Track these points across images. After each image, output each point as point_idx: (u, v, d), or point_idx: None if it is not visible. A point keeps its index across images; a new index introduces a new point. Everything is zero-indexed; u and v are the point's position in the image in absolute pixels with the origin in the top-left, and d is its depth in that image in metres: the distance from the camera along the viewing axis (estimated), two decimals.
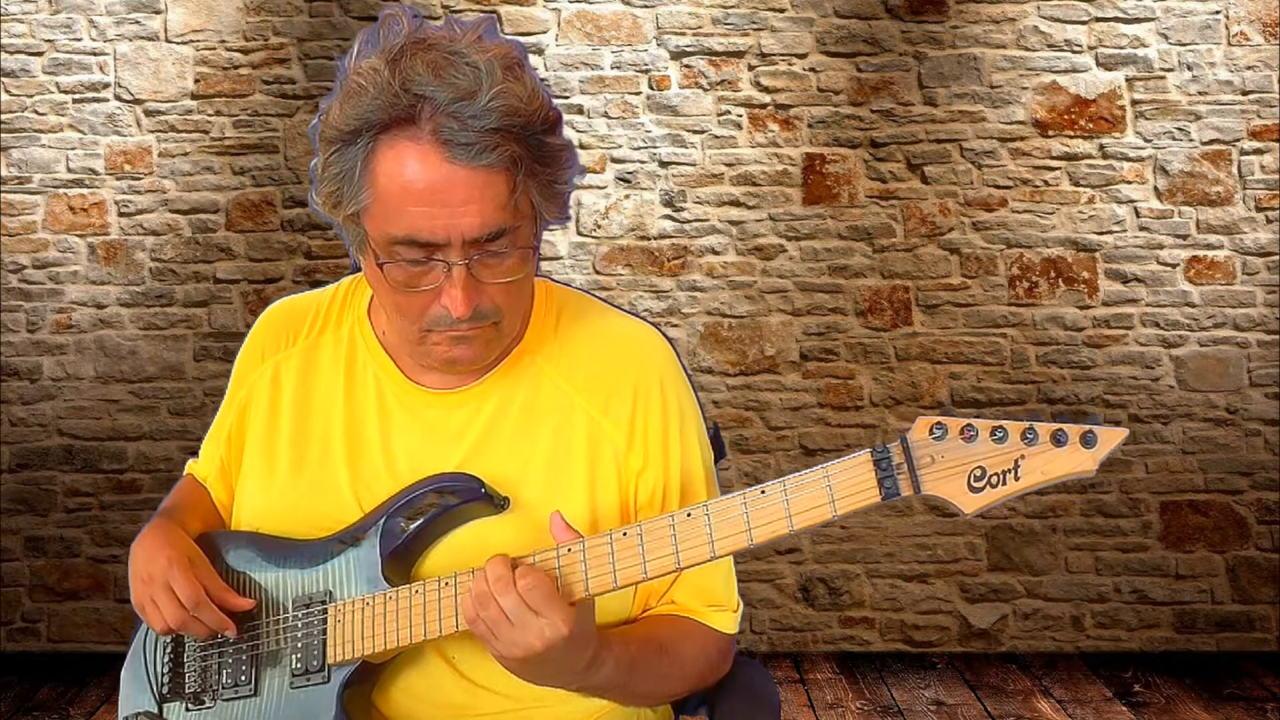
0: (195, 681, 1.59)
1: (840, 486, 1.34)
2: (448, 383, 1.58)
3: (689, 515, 1.39)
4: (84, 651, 4.53)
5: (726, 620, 1.60)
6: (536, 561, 1.42)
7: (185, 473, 1.76)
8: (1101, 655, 4.55)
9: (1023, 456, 1.28)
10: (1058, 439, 1.28)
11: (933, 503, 1.30)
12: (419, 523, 1.52)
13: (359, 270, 1.68)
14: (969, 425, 1.30)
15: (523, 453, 1.55)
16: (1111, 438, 1.29)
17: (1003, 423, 1.29)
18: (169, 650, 1.62)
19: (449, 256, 1.43)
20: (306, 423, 1.61)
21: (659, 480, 1.57)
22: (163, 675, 1.61)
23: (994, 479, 1.29)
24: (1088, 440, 1.28)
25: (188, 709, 1.59)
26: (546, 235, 4.60)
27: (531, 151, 1.43)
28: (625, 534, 1.40)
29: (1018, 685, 4.25)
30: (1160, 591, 4.59)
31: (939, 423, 1.31)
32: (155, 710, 1.60)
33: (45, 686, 4.25)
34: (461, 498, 1.51)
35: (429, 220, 1.41)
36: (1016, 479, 1.29)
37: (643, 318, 1.69)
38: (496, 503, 1.51)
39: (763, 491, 1.37)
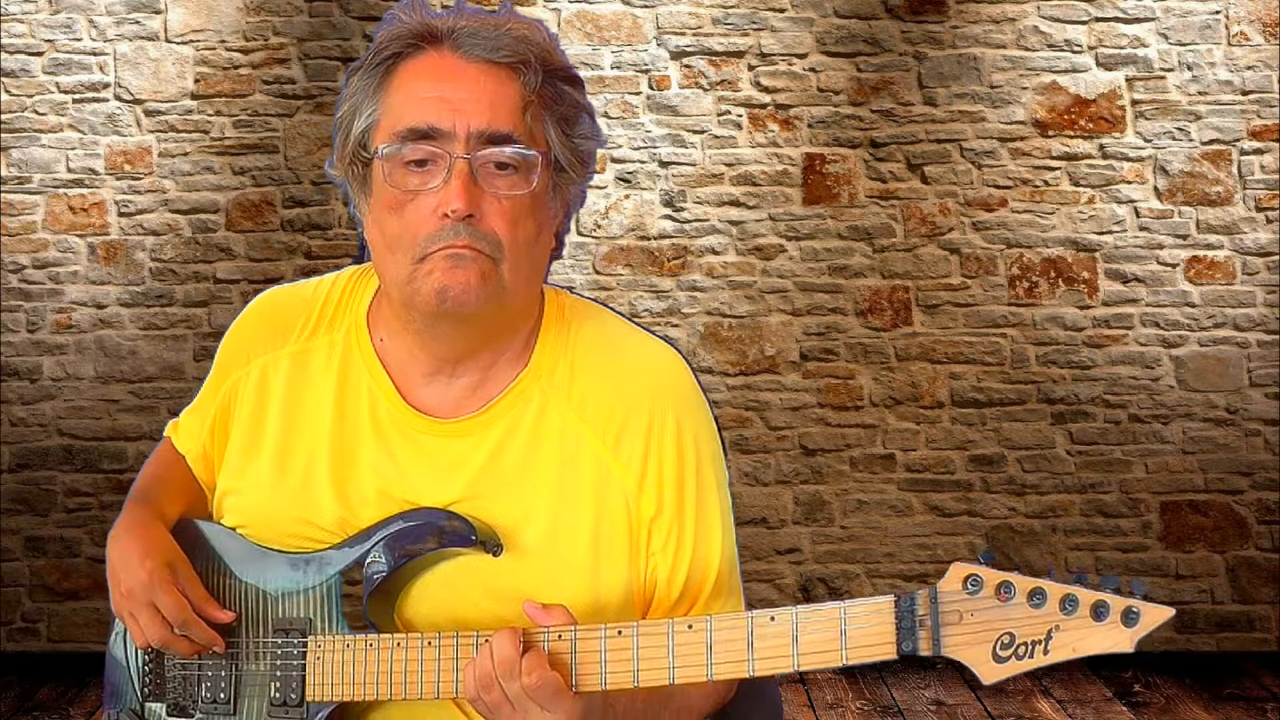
0: (176, 689, 1.55)
1: (855, 633, 1.25)
2: (447, 410, 1.49)
3: (690, 627, 1.32)
4: (84, 651, 4.52)
5: None
6: (548, 645, 1.34)
7: (165, 435, 1.67)
8: (1101, 655, 4.54)
9: (1057, 627, 1.20)
10: (1098, 612, 1.19)
11: (952, 661, 1.24)
12: (399, 564, 1.45)
13: (359, 262, 1.61)
14: (1006, 584, 1.21)
15: (525, 493, 1.46)
16: (1155, 617, 1.18)
17: (1043, 584, 1.20)
18: (150, 650, 1.57)
19: (453, 149, 1.39)
20: (293, 433, 1.53)
21: (673, 529, 1.47)
22: (144, 674, 1.57)
23: (1021, 649, 1.21)
24: (1129, 618, 1.19)
25: (169, 714, 1.56)
26: None
27: (547, 81, 1.44)
28: (620, 633, 1.33)
29: (1018, 685, 4.25)
30: (1160, 591, 4.58)
31: (975, 575, 1.22)
32: (138, 709, 1.58)
33: (45, 686, 4.25)
34: (451, 542, 1.44)
35: (435, 106, 1.40)
36: (1045, 652, 1.20)
37: (664, 338, 1.59)
38: (489, 549, 1.43)
39: (772, 619, 1.29)
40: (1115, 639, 1.19)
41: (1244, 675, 4.35)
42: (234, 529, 1.56)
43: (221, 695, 1.52)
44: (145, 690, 1.58)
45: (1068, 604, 1.19)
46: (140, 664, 1.58)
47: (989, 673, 1.22)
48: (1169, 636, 4.58)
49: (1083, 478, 4.58)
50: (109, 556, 1.52)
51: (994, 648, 1.21)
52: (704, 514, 1.49)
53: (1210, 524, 4.59)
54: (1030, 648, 1.20)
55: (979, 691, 4.19)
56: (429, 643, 1.41)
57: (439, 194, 1.39)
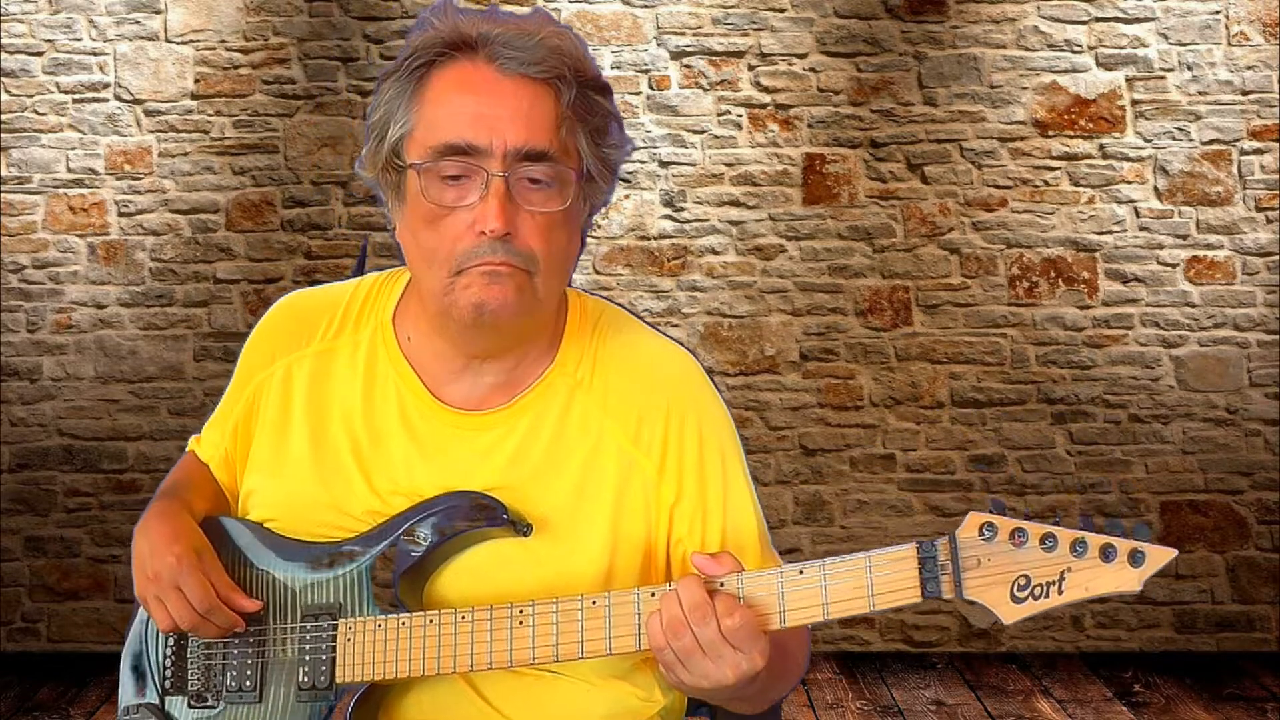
0: (198, 679, 1.56)
1: (881, 581, 1.32)
2: (474, 404, 1.52)
3: (722, 585, 1.37)
4: (84, 651, 4.53)
5: None
6: (726, 587, 1.36)
7: (188, 449, 1.69)
8: (1101, 655, 4.55)
9: (1069, 569, 1.27)
10: (1106, 554, 1.26)
11: (972, 603, 1.30)
12: (435, 542, 1.47)
13: (360, 271, 1.66)
14: (1019, 530, 1.28)
15: (550, 482, 1.50)
16: (1160, 558, 1.26)
17: (1054, 530, 1.28)
18: (171, 642, 1.58)
19: (490, 167, 1.41)
20: (320, 431, 1.56)
21: (697, 513, 1.52)
22: (165, 668, 1.58)
23: (1037, 590, 1.28)
24: (1136, 559, 1.26)
25: (190, 705, 1.56)
26: None
27: (580, 94, 1.45)
28: (801, 572, 1.37)
29: (1018, 685, 4.25)
30: (1160, 591, 4.59)
31: (990, 523, 1.29)
32: (157, 703, 1.58)
33: (45, 686, 4.25)
34: (484, 521, 1.47)
35: (473, 123, 1.41)
36: (1060, 592, 1.27)
37: (679, 342, 1.64)
38: (519, 529, 1.47)
39: (800, 572, 1.35)
40: (1123, 579, 1.26)
41: (1244, 675, 4.35)
42: (261, 523, 1.58)
43: (247, 683, 1.53)
44: (166, 684, 1.58)
45: (1078, 547, 1.26)
46: (161, 658, 1.58)
47: (1009, 613, 1.28)
48: (1169, 637, 4.58)
49: (1083, 478, 4.58)
50: (135, 546, 1.54)
51: (1011, 589, 1.28)
52: (731, 492, 1.54)
53: (1210, 524, 4.58)
54: (1045, 588, 1.27)
55: (979, 691, 4.19)
56: (462, 617, 1.44)
57: (475, 210, 1.41)
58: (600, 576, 1.48)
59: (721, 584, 1.37)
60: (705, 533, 1.52)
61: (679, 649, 1.34)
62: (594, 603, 1.39)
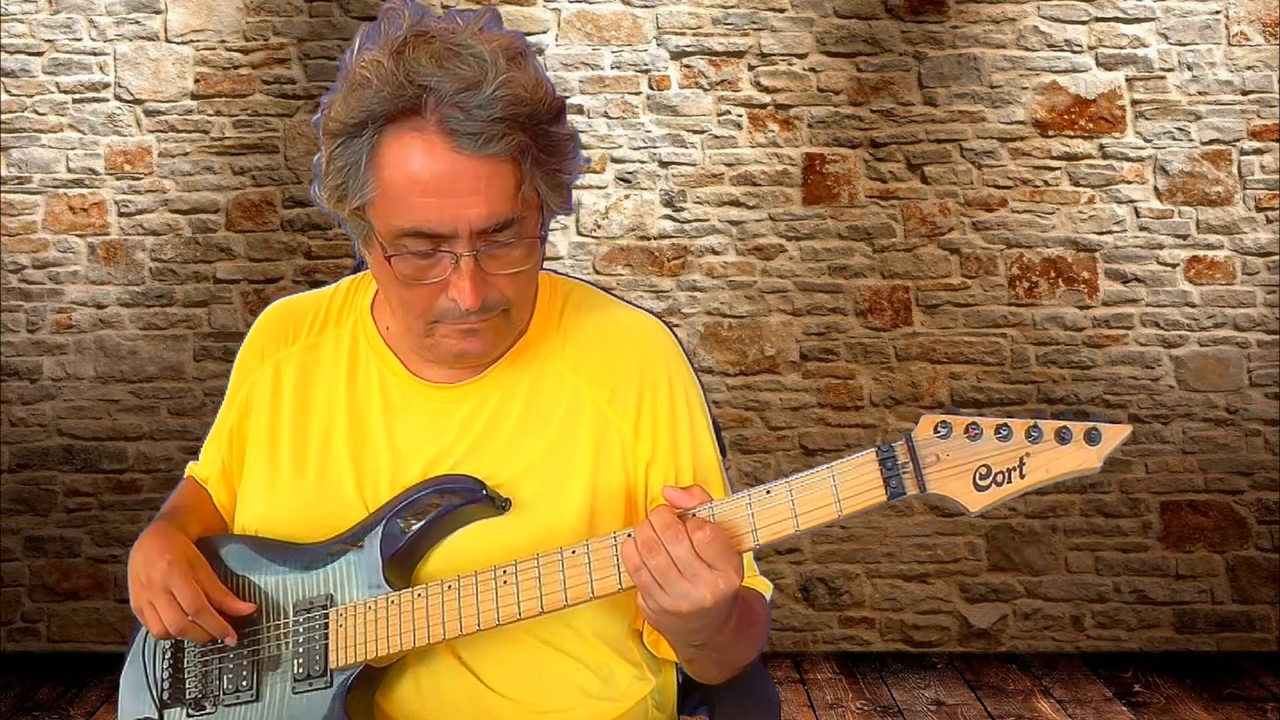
0: (196, 687, 1.57)
1: (845, 486, 1.33)
2: (452, 376, 1.56)
3: (694, 514, 1.38)
4: (84, 651, 4.53)
5: (765, 584, 1.61)
6: (700, 515, 1.39)
7: (185, 475, 1.73)
8: (1101, 655, 4.55)
9: (1028, 454, 1.28)
10: (1062, 436, 1.27)
11: (936, 502, 1.30)
12: (420, 525, 1.50)
13: (359, 270, 1.68)
14: (973, 424, 1.29)
15: (527, 445, 1.54)
16: (1115, 435, 1.28)
17: (1007, 421, 1.29)
18: (169, 656, 1.60)
19: (456, 248, 1.41)
20: (308, 421, 1.60)
21: (670, 470, 1.55)
22: (163, 681, 1.60)
23: (999, 477, 1.29)
24: (1092, 438, 1.27)
25: (188, 715, 1.58)
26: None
27: (537, 141, 1.42)
28: (630, 535, 1.39)
29: (1018, 685, 4.25)
30: (1160, 591, 4.59)
31: (943, 421, 1.30)
32: (156, 717, 1.59)
33: (45, 686, 4.25)
34: (463, 499, 1.50)
35: (436, 211, 1.40)
36: (1021, 477, 1.28)
37: (648, 310, 1.68)
38: (498, 504, 1.50)
39: (768, 492, 1.36)
40: (1083, 458, 1.27)
41: (1244, 675, 4.35)
42: (253, 531, 1.61)
43: (243, 684, 1.55)
44: (165, 696, 1.60)
45: (1033, 433, 1.28)
46: (159, 672, 1.60)
47: (973, 501, 1.30)
48: (1169, 637, 4.58)
49: (1083, 478, 4.57)
50: (131, 561, 1.57)
51: (973, 479, 1.29)
52: (699, 450, 1.58)
53: (1210, 524, 4.58)
54: (1007, 474, 1.28)
55: (979, 691, 4.19)
56: (449, 586, 1.46)
57: (447, 281, 1.43)
58: (584, 528, 1.50)
59: (694, 514, 1.39)
60: (678, 484, 1.55)
61: (655, 567, 1.34)
62: (574, 552, 1.42)
